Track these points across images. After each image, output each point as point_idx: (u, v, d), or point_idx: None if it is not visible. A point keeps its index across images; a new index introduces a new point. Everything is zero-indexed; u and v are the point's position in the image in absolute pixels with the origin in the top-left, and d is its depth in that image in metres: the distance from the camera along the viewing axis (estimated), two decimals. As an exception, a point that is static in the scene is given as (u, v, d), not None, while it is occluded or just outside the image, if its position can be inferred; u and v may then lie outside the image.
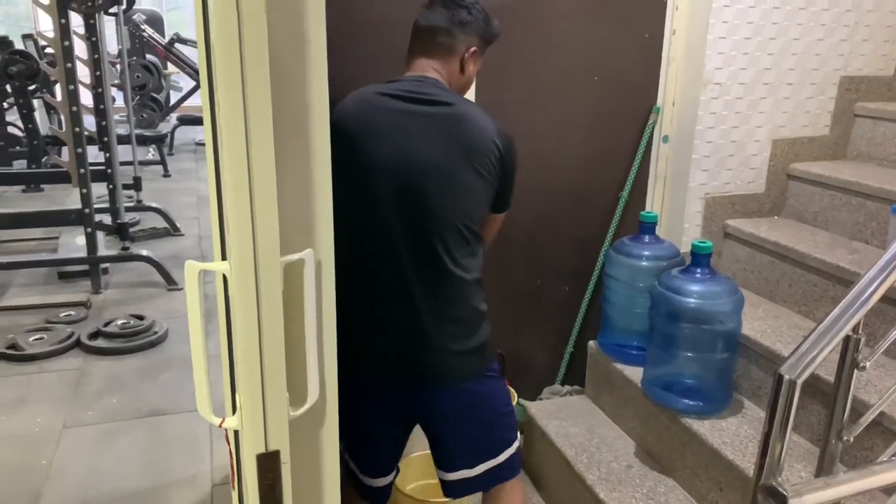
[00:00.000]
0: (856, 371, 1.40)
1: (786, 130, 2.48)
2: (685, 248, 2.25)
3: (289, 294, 0.78)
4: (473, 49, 1.57)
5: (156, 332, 3.36)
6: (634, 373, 2.17)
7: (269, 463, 0.76)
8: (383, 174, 1.41)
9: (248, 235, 0.67)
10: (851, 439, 1.43)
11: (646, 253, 2.17)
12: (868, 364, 1.38)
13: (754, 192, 2.49)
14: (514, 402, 2.29)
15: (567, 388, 2.57)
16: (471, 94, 2.23)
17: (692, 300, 1.90)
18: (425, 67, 1.54)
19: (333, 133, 1.19)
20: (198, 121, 8.26)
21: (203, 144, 7.69)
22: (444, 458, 1.60)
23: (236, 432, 0.84)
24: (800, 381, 1.23)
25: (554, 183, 2.38)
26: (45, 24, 8.42)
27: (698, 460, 1.91)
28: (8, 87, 6.04)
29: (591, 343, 2.44)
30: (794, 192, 2.48)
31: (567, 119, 2.34)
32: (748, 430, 1.90)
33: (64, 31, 3.73)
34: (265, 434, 0.75)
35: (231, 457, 0.90)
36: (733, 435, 1.88)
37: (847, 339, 1.36)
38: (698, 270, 1.94)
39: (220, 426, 0.78)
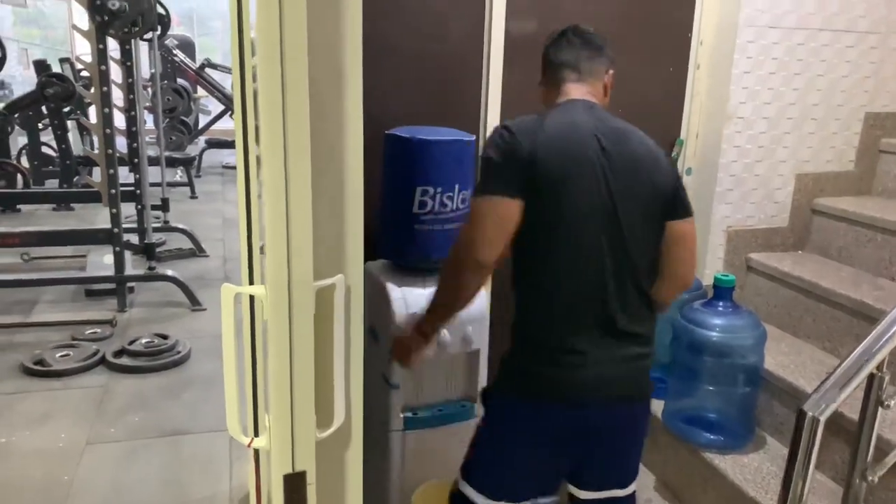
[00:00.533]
0: (880, 409, 1.38)
1: (810, 165, 2.48)
2: (707, 281, 2.24)
3: (319, 318, 0.80)
4: (612, 72, 1.62)
5: (179, 352, 3.40)
6: (655, 405, 2.15)
7: (295, 483, 0.78)
8: (593, 210, 1.41)
9: (283, 261, 0.69)
10: (876, 479, 1.41)
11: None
12: (893, 403, 1.37)
13: (778, 225, 2.49)
14: None
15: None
16: (494, 123, 2.27)
17: (715, 333, 1.90)
18: (583, 93, 1.56)
19: (537, 168, 1.22)
20: (225, 144, 8.42)
21: (230, 167, 7.82)
22: (594, 477, 1.56)
23: (260, 452, 0.85)
24: (823, 419, 1.22)
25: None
26: (82, 48, 8.68)
27: (719, 496, 1.89)
28: (43, 109, 6.22)
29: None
30: (819, 226, 2.47)
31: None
32: (770, 467, 1.88)
33: (101, 56, 3.84)
34: (293, 455, 0.77)
35: (255, 477, 0.92)
36: (755, 471, 1.86)
37: (871, 376, 1.35)
38: (721, 303, 1.94)
39: (248, 446, 0.80)
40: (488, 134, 2.23)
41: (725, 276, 1.95)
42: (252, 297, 0.82)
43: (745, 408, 1.97)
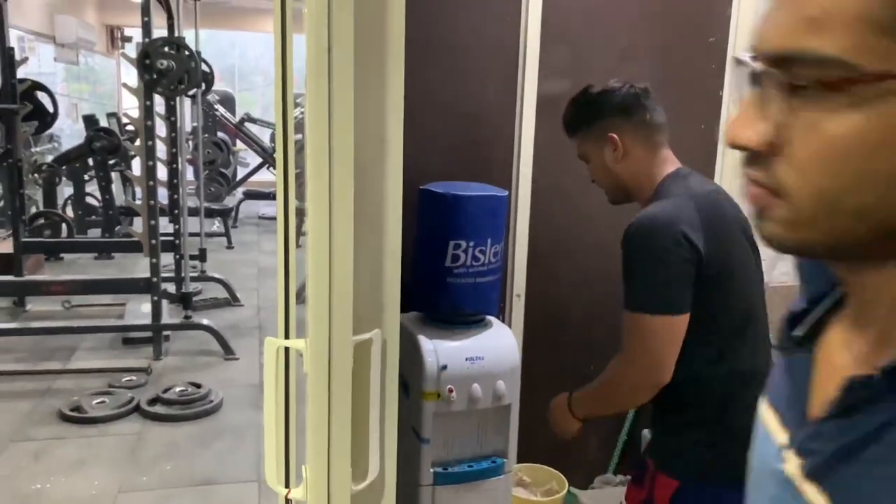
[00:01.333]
0: None
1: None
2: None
3: (355, 371, 0.83)
4: None
5: (211, 401, 3.44)
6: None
7: (330, 536, 0.79)
8: (748, 298, 1.43)
9: (324, 315, 0.72)
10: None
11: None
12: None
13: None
14: (565, 490, 2.24)
15: (619, 477, 2.51)
16: (527, 178, 2.31)
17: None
18: (674, 160, 1.54)
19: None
20: (262, 196, 8.62)
21: (266, 218, 7.94)
22: None
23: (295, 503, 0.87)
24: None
25: (608, 263, 2.39)
26: (128, 103, 9.04)
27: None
28: (90, 161, 6.45)
29: (646, 431, 2.39)
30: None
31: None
32: None
33: (148, 112, 4.01)
34: (328, 507, 0.78)
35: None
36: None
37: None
38: None
39: (286, 497, 0.82)
40: (520, 188, 2.28)
41: None
42: (287, 350, 0.85)
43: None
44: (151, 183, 4.06)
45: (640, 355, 1.36)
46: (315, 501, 0.78)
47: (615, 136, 1.51)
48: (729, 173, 2.40)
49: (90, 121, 6.60)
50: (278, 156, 1.00)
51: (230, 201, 8.31)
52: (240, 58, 13.18)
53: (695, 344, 1.35)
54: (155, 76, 3.96)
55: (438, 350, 1.95)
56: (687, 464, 1.49)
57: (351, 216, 0.70)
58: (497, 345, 2.02)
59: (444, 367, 1.93)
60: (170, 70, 3.98)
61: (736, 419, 1.42)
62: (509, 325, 2.33)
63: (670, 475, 1.48)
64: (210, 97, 8.50)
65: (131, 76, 4.25)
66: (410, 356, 1.99)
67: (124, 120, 7.10)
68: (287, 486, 0.87)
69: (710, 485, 1.45)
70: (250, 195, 8.67)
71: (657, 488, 1.51)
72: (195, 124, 5.92)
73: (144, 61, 3.94)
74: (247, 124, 8.68)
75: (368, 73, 0.73)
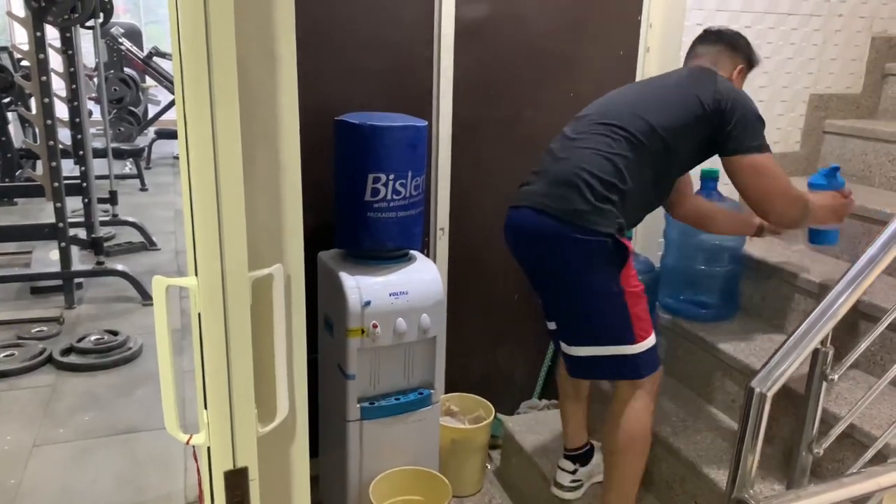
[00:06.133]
0: (825, 384, 1.42)
1: (758, 146, 2.52)
2: (658, 263, 2.28)
3: (258, 309, 0.78)
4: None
5: (130, 348, 3.32)
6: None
7: (237, 480, 0.75)
8: None
9: (215, 250, 0.67)
10: (821, 451, 1.45)
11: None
12: (836, 377, 1.40)
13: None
14: (492, 417, 2.29)
15: (545, 402, 2.58)
16: (447, 110, 2.26)
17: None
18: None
19: None
20: (175, 135, 8.20)
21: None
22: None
23: (206, 449, 0.83)
24: (770, 394, 1.24)
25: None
26: (21, 37, 8.34)
27: (674, 474, 1.92)
28: (-19, 101, 5.97)
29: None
30: (767, 207, 2.52)
31: (545, 135, 2.36)
32: (722, 444, 1.92)
33: (39, 43, 3.69)
34: (233, 451, 0.75)
35: (199, 474, 0.89)
36: (708, 448, 1.89)
37: (816, 351, 1.39)
38: (704, 193, 2.12)
39: (186, 443, 0.78)
40: (441, 119, 2.22)
41: (711, 169, 2.04)
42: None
43: (728, 285, 2.24)
44: (49, 122, 3.79)
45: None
46: (218, 445, 0.74)
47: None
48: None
49: (-23, 56, 6.06)
50: (176, 84, 0.91)
51: (142, 141, 7.89)
52: (145, -13, 12.31)
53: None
54: (43, 4, 3.63)
55: (361, 286, 1.92)
56: None
57: (237, 136, 0.64)
58: (421, 279, 2.01)
59: (368, 304, 1.90)
60: (60, -3, 3.65)
61: None
62: (434, 260, 2.31)
63: None
64: (114, 30, 7.93)
65: (20, 6, 3.88)
66: (333, 294, 1.96)
67: (17, 55, 6.56)
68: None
69: None
70: (163, 134, 8.24)
71: None
72: (97, 59, 5.53)
73: (31, -13, 3.60)
74: (155, 59, 8.16)
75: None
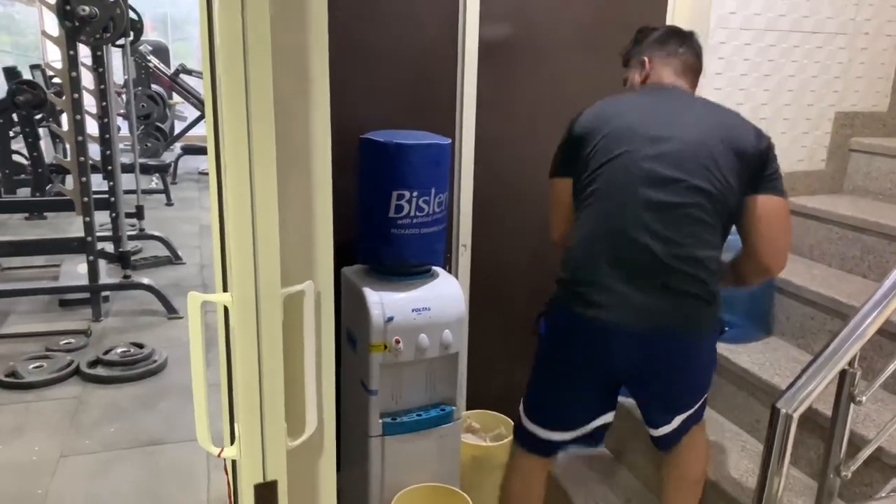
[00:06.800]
0: (853, 405, 1.40)
1: (782, 165, 2.50)
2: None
3: (289, 325, 0.79)
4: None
5: (155, 361, 3.36)
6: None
7: (266, 493, 0.77)
8: None
9: (249, 268, 0.68)
10: (849, 474, 1.43)
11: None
12: (864, 398, 1.39)
13: (752, 225, 2.51)
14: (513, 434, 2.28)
15: (566, 419, 2.56)
16: (470, 126, 2.27)
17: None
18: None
19: None
20: (201, 150, 8.33)
21: (206, 174, 7.74)
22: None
23: (234, 462, 0.84)
24: (796, 415, 1.23)
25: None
26: (53, 55, 8.54)
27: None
28: (14, 117, 6.11)
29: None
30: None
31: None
32: (748, 464, 1.90)
33: (72, 62, 3.79)
34: (263, 464, 0.76)
35: (228, 487, 0.91)
36: (733, 468, 1.87)
37: (843, 372, 1.37)
38: None
39: (218, 456, 0.79)
40: (463, 136, 2.24)
41: None
42: (226, 308, 0.81)
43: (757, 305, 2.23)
44: (80, 138, 3.87)
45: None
46: (249, 459, 0.75)
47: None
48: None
49: (11, 73, 6.21)
50: (207, 104, 0.94)
51: (168, 157, 8.02)
52: (172, 6, 12.56)
53: None
54: (77, 23, 3.73)
55: (384, 302, 1.93)
56: None
57: (272, 155, 0.65)
58: (443, 295, 2.02)
59: (391, 319, 1.91)
60: (93, 17, 3.75)
61: None
62: (456, 276, 2.32)
63: None
64: (142, 48, 8.09)
65: (54, 25, 3.98)
66: (357, 309, 1.97)
67: (49, 72, 6.72)
68: (231, 443, 0.84)
69: None
70: (189, 150, 8.38)
71: None
72: (126, 77, 5.64)
73: (65, 7, 3.70)
74: (182, 76, 8.32)
75: (286, 4, 0.68)
